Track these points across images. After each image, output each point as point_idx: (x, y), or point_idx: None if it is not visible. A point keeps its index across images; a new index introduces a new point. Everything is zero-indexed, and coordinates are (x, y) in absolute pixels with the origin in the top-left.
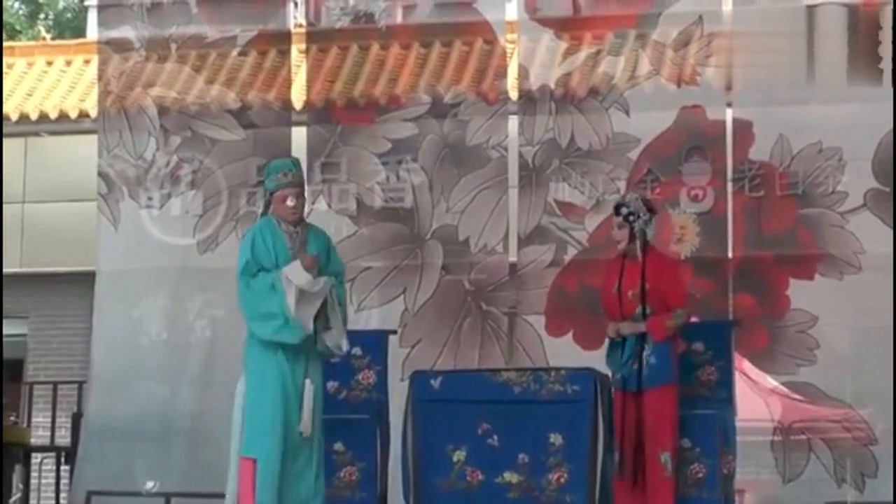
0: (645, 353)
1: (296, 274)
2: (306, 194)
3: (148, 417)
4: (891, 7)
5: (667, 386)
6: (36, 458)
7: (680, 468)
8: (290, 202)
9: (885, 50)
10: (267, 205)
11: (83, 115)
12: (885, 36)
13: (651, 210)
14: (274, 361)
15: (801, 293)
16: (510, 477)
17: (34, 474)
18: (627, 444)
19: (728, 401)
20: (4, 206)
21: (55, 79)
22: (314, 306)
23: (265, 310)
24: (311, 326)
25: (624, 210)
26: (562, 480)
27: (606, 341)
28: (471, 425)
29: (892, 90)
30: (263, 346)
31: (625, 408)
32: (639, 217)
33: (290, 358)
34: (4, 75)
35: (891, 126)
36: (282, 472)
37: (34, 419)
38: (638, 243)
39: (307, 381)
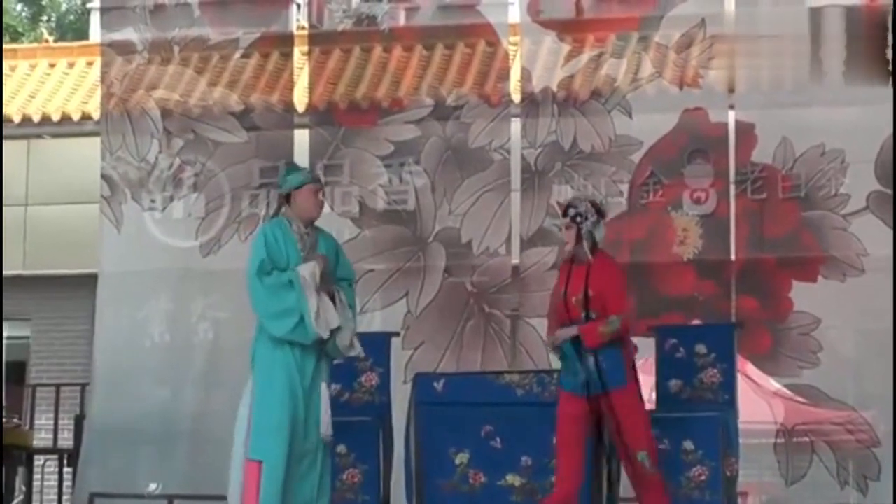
0: (596, 359)
1: (310, 273)
2: None
3: (150, 419)
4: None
5: (623, 388)
6: (39, 460)
7: (682, 470)
8: (320, 196)
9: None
10: (279, 206)
11: (86, 117)
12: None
13: (600, 213)
14: (282, 363)
15: (804, 295)
16: (513, 479)
17: (37, 476)
18: (574, 453)
19: (731, 403)
20: (7, 208)
21: (58, 81)
22: (328, 306)
23: (282, 307)
24: (332, 326)
25: (571, 211)
26: None
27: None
28: (473, 428)
29: (892, 92)
30: (272, 348)
31: (579, 416)
32: (586, 219)
33: (299, 359)
34: (7, 78)
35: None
36: (287, 475)
37: (37, 421)
38: (585, 246)
39: (323, 385)
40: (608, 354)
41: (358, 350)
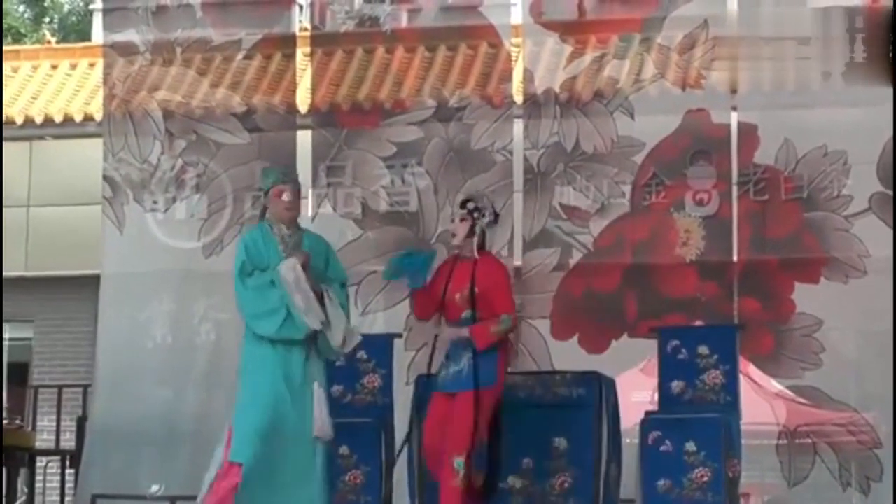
0: (470, 356)
1: (288, 270)
2: (311, 198)
3: (152, 421)
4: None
5: (484, 390)
6: (41, 461)
7: (684, 472)
8: (286, 196)
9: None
10: (262, 210)
11: (88, 118)
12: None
13: (496, 214)
14: (266, 365)
15: (806, 297)
16: (514, 482)
17: (39, 478)
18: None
19: (733, 405)
20: (10, 209)
21: (60, 82)
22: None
23: (267, 307)
24: (319, 320)
25: (470, 205)
26: (565, 485)
27: (607, 345)
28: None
29: (893, 93)
30: (255, 349)
31: (437, 409)
32: (483, 216)
33: (285, 361)
34: (9, 79)
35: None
36: (270, 480)
37: (39, 423)
38: (475, 242)
39: (316, 384)
40: (484, 354)
41: (349, 348)
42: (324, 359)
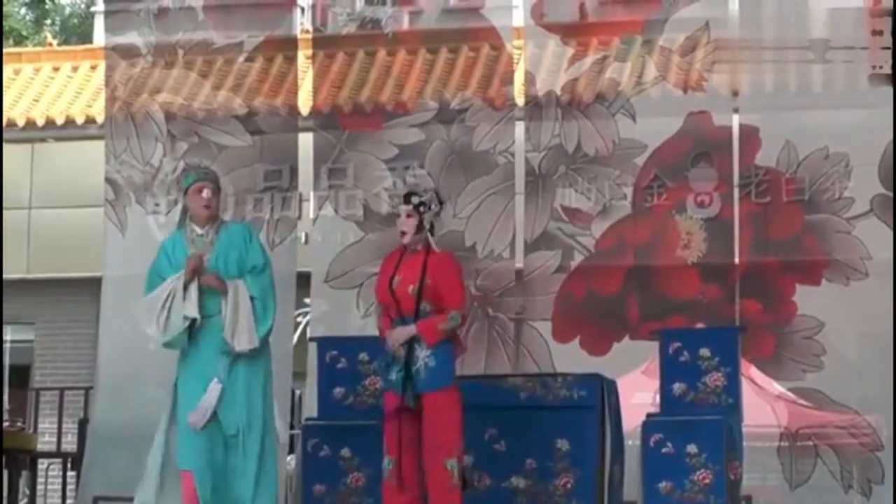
0: (423, 355)
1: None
2: (313, 200)
3: (154, 423)
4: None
5: (446, 389)
6: (42, 463)
7: (686, 474)
8: (204, 193)
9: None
10: (184, 211)
11: (90, 120)
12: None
13: (441, 203)
14: (191, 370)
15: (808, 299)
16: (517, 482)
17: (40, 480)
18: (404, 454)
19: (734, 407)
20: (11, 212)
21: (62, 84)
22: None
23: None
24: (156, 327)
25: (415, 199)
26: (568, 486)
27: (609, 347)
28: (477, 431)
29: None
30: (181, 358)
31: (400, 414)
32: (429, 208)
33: (201, 363)
34: (11, 81)
35: None
36: (215, 478)
37: (41, 425)
38: (428, 236)
39: (214, 381)
40: (437, 352)
41: (245, 346)
42: (262, 358)
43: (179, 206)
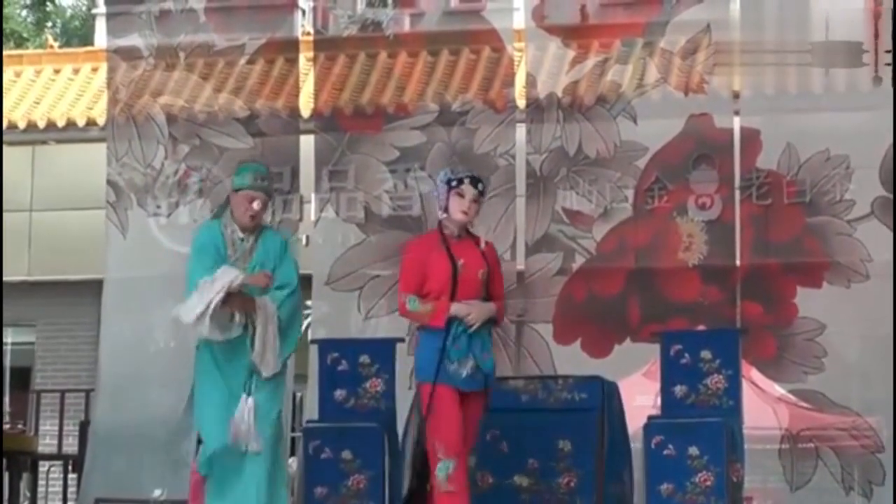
0: (482, 344)
1: (223, 276)
2: (314, 202)
3: (155, 425)
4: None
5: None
6: (43, 466)
7: (687, 476)
8: (255, 205)
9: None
10: (226, 204)
11: (91, 123)
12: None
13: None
14: (210, 380)
15: (809, 301)
16: (520, 480)
17: (42, 482)
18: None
19: (736, 409)
20: (12, 214)
21: (63, 87)
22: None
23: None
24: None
25: (480, 186)
26: (572, 484)
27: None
28: (479, 432)
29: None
30: (205, 361)
31: (467, 408)
32: (485, 194)
33: (228, 373)
34: (12, 83)
35: None
36: (227, 489)
37: (42, 427)
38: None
39: (244, 396)
40: (490, 346)
41: (266, 372)
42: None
43: (180, 209)
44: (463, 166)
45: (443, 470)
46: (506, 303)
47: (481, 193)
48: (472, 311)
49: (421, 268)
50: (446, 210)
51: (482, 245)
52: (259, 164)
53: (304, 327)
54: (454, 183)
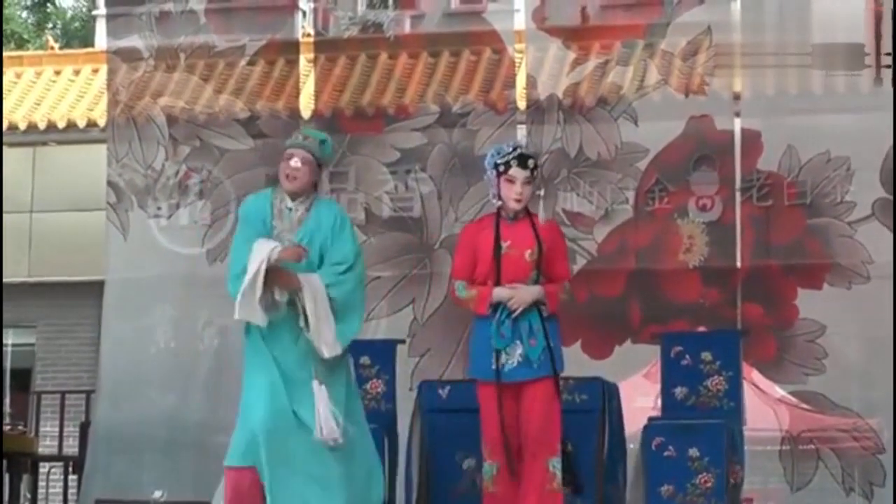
0: (547, 334)
1: (260, 250)
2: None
3: (156, 426)
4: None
5: (560, 374)
6: (44, 467)
7: (688, 477)
8: (293, 162)
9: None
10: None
11: (91, 124)
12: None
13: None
14: (265, 360)
15: (810, 303)
16: None
17: (42, 484)
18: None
19: (736, 410)
20: (13, 215)
21: (63, 88)
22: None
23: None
24: (247, 318)
25: (531, 163)
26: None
27: (616, 346)
28: (479, 434)
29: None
30: (254, 346)
31: (524, 400)
32: (537, 174)
33: (276, 351)
34: (13, 84)
35: None
36: (274, 486)
37: (42, 428)
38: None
39: (315, 383)
40: (555, 329)
41: (327, 353)
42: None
43: (181, 210)
44: (509, 146)
45: (487, 472)
46: (567, 286)
47: (533, 170)
48: (513, 294)
49: (471, 252)
50: (499, 197)
51: (539, 223)
52: (318, 131)
53: (365, 308)
54: (502, 168)
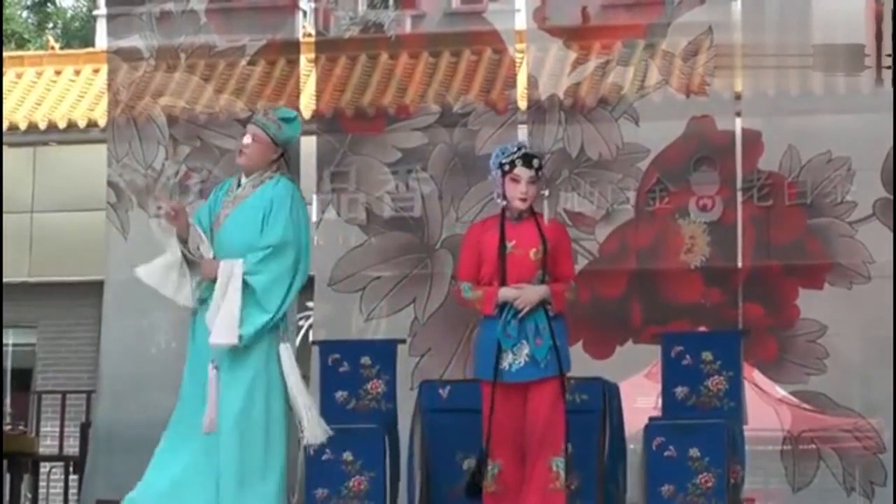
0: (553, 333)
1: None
2: (316, 203)
3: (157, 427)
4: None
5: (567, 373)
6: (44, 467)
7: (688, 477)
8: (245, 139)
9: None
10: None
11: (92, 124)
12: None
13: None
14: (192, 348)
15: (811, 303)
16: None
17: (42, 484)
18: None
19: (737, 410)
20: (13, 215)
21: (64, 88)
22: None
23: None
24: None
25: (536, 162)
26: (573, 486)
27: (615, 345)
28: (480, 434)
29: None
30: (191, 331)
31: (531, 400)
32: (541, 173)
33: (196, 354)
34: (13, 84)
35: None
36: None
37: (43, 429)
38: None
39: (210, 366)
40: (561, 328)
41: (227, 340)
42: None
43: None
44: (514, 147)
45: (490, 471)
46: (572, 285)
47: (538, 170)
48: (519, 294)
49: (476, 253)
50: (504, 197)
51: (544, 223)
52: (289, 110)
53: (290, 298)
54: (507, 167)
